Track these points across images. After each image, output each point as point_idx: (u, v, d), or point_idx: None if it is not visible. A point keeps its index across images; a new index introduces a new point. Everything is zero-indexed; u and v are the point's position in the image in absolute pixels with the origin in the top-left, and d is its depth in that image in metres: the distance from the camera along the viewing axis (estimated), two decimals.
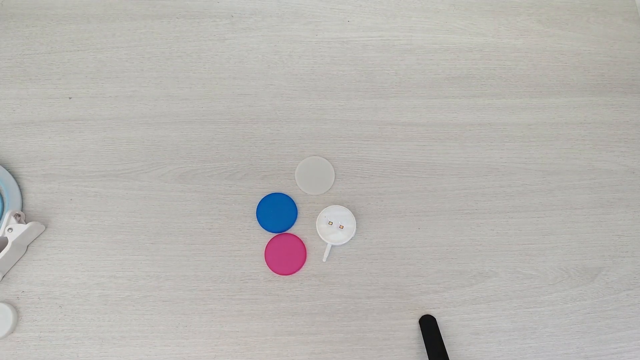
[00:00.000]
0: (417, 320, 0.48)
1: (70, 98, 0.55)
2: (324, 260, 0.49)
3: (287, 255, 0.49)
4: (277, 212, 0.50)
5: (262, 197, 0.51)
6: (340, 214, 0.50)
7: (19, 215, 0.48)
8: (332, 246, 0.49)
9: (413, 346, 0.47)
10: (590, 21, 0.60)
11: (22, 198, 0.51)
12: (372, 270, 0.49)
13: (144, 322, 0.47)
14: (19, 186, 0.51)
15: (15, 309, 0.47)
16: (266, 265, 0.49)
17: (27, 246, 0.49)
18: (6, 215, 0.47)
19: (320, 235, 0.49)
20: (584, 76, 0.58)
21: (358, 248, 0.50)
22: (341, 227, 0.49)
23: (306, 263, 0.49)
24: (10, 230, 0.47)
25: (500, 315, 0.48)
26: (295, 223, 0.51)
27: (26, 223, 0.47)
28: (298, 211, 0.51)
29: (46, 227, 0.50)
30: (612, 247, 0.51)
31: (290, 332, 0.47)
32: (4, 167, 0.51)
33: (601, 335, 0.48)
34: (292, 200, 0.51)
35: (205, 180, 0.52)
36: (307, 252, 0.49)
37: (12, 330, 0.46)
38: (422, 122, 0.55)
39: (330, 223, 0.49)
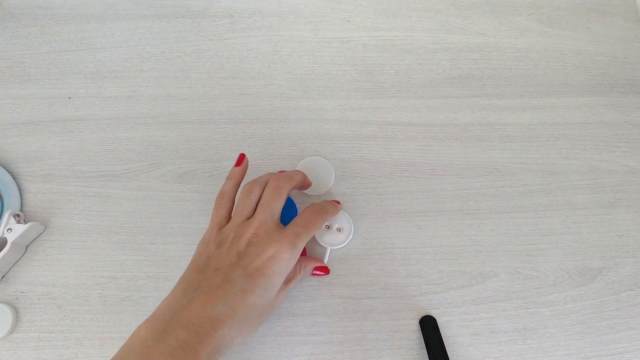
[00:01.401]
0: (418, 321, 0.47)
1: (69, 98, 0.55)
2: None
3: None
4: None
5: None
6: (337, 217, 0.49)
7: (18, 216, 0.48)
8: (331, 249, 0.49)
9: (413, 347, 0.47)
10: (590, 21, 0.60)
11: (21, 198, 0.50)
12: (372, 271, 0.49)
13: None
14: (18, 186, 0.51)
15: (15, 310, 0.47)
16: None
17: (27, 246, 0.49)
18: (5, 216, 0.47)
19: (317, 239, 0.49)
20: (584, 76, 0.58)
21: (358, 249, 0.50)
22: (339, 229, 0.49)
23: None
24: (9, 231, 0.46)
25: (500, 316, 0.48)
26: None
27: (25, 223, 0.47)
28: (298, 212, 0.51)
29: (45, 228, 0.50)
30: (612, 248, 0.51)
31: (290, 332, 0.47)
32: (3, 167, 0.51)
33: (602, 336, 0.48)
34: (292, 201, 0.50)
35: (205, 181, 0.52)
36: (306, 253, 0.49)
37: (12, 331, 0.46)
38: (422, 122, 0.55)
39: (328, 227, 0.49)
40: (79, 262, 0.49)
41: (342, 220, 0.50)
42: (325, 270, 0.48)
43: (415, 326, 0.47)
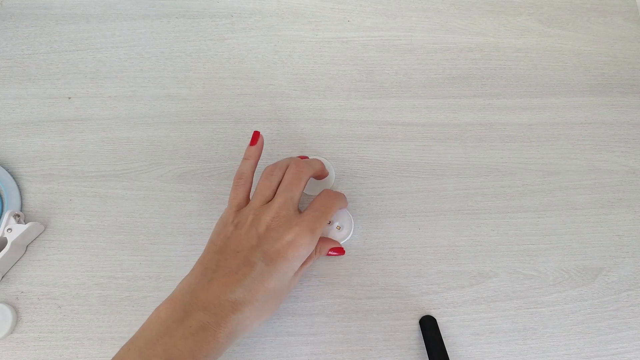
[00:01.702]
0: (418, 321, 0.47)
1: (69, 98, 0.55)
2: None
3: None
4: None
5: None
6: (339, 214, 0.50)
7: (18, 216, 0.48)
8: None
9: (413, 347, 0.47)
10: (590, 21, 0.60)
11: (22, 198, 0.51)
12: (372, 271, 0.49)
13: None
14: (18, 186, 0.51)
15: (15, 310, 0.47)
16: None
17: (27, 246, 0.49)
18: (5, 216, 0.47)
19: None
20: (584, 76, 0.58)
21: (358, 248, 0.50)
22: (338, 227, 0.49)
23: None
24: (9, 231, 0.46)
25: (500, 316, 0.48)
26: None
27: (25, 223, 0.47)
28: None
29: (45, 228, 0.50)
30: (612, 248, 0.51)
31: (290, 332, 0.47)
32: (3, 167, 0.51)
33: (602, 336, 0.48)
34: None
35: (205, 181, 0.52)
36: None
37: (12, 331, 0.46)
38: (422, 122, 0.55)
39: (330, 222, 0.49)
40: (79, 262, 0.49)
41: (343, 218, 0.50)
42: (340, 251, 0.48)
43: (415, 326, 0.47)
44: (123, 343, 0.37)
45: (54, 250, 0.49)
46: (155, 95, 0.55)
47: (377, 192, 0.52)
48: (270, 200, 0.42)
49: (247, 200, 0.44)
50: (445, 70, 0.57)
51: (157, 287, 0.48)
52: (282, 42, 0.58)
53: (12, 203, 0.49)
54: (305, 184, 0.44)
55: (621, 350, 0.48)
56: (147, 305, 0.48)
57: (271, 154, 0.53)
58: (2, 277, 0.48)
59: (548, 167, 0.54)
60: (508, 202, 0.52)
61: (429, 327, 0.46)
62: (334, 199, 0.44)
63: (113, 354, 0.36)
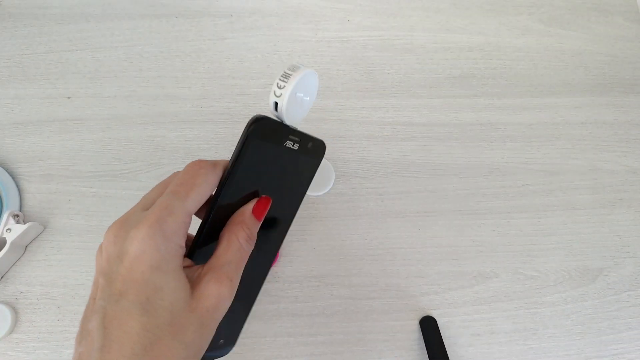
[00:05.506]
0: (418, 322, 0.47)
1: (68, 98, 0.54)
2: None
3: None
4: None
5: None
6: (302, 80, 0.29)
7: (18, 216, 0.48)
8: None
9: (413, 347, 0.47)
10: (591, 21, 0.60)
11: (21, 198, 0.50)
12: (372, 271, 0.49)
13: None
14: (17, 186, 0.50)
15: (14, 310, 0.47)
16: None
17: (26, 247, 0.49)
18: (4, 216, 0.47)
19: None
20: (585, 76, 0.58)
21: (358, 248, 0.50)
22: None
23: (297, 263, 0.49)
24: (8, 231, 0.46)
25: (501, 317, 0.48)
26: None
27: (24, 223, 0.47)
28: None
29: (45, 228, 0.50)
30: (613, 248, 0.51)
31: (290, 333, 0.47)
32: (2, 168, 0.51)
33: (602, 336, 0.48)
34: None
35: None
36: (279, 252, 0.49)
37: (11, 331, 0.46)
38: (423, 122, 0.55)
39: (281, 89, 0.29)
40: (78, 263, 0.49)
41: (307, 84, 0.31)
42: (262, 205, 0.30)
43: (415, 327, 0.47)
44: None
45: (53, 250, 0.49)
46: (154, 95, 0.55)
47: (377, 192, 0.52)
48: None
49: None
50: (446, 70, 0.57)
51: None
52: (282, 42, 0.57)
53: (11, 203, 0.49)
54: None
55: (622, 350, 0.48)
56: None
57: None
58: (2, 278, 0.48)
59: (549, 167, 0.54)
60: (508, 202, 0.52)
61: (429, 328, 0.46)
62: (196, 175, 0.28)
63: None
